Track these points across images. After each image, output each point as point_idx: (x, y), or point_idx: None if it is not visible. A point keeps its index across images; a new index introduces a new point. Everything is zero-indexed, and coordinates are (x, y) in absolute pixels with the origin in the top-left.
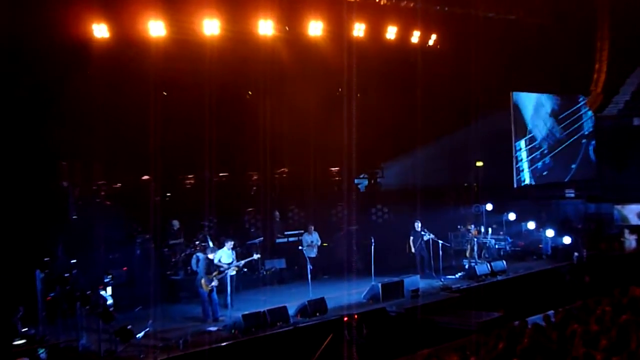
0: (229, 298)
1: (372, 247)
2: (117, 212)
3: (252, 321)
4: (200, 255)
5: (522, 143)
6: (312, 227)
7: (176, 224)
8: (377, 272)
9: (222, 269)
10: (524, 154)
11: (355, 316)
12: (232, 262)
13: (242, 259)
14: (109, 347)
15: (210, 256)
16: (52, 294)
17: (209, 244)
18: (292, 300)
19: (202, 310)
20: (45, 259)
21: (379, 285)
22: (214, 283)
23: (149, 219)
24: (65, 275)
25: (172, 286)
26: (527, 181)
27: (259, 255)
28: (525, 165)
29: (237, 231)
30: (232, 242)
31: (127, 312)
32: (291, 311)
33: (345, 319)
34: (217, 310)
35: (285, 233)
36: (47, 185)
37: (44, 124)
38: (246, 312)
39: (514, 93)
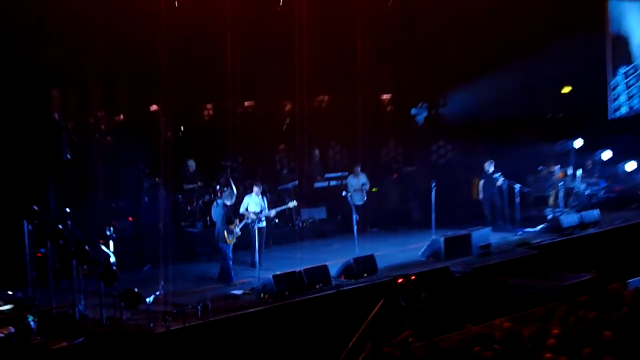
0: (256, 255)
1: (433, 193)
2: (120, 151)
3: (286, 283)
4: (221, 201)
5: (621, 70)
6: (359, 168)
7: (192, 164)
8: (438, 223)
9: (248, 219)
10: (623, 79)
11: (412, 277)
12: (262, 211)
13: (274, 208)
14: (112, 314)
15: (228, 202)
16: (42, 250)
17: (231, 189)
18: (335, 259)
19: (223, 269)
20: (34, 208)
21: (441, 239)
22: (237, 232)
23: (159, 158)
24: (59, 227)
25: (187, 240)
26: (626, 112)
27: (294, 203)
28: (623, 93)
29: (266, 174)
30: (261, 187)
31: (133, 272)
32: (333, 271)
33: (400, 280)
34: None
35: (326, 176)
36: (35, 117)
37: (30, 44)
38: (278, 273)
39: (611, 1)
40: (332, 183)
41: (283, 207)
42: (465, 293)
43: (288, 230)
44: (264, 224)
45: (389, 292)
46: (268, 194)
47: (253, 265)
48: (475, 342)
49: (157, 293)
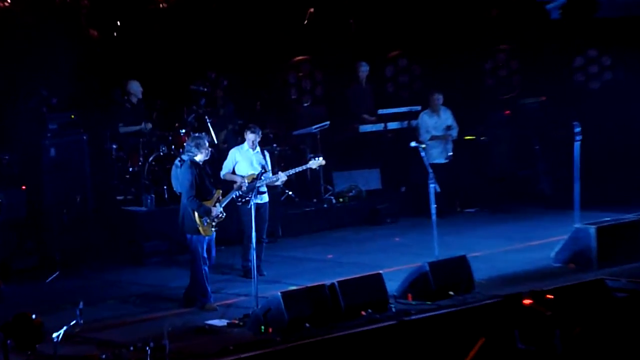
0: (252, 256)
1: (577, 145)
2: (7, 65)
3: (306, 307)
4: (188, 157)
5: None
6: (440, 99)
7: (136, 89)
8: (586, 201)
9: (236, 191)
10: None
11: (548, 296)
12: (261, 175)
13: (284, 170)
14: None
15: (200, 159)
16: None
17: (206, 136)
18: (395, 262)
19: (194, 280)
20: None
21: (592, 230)
22: (217, 213)
23: (76, 79)
24: None
25: (128, 229)
26: None
27: (321, 161)
28: None
29: (271, 108)
30: (260, 132)
31: (29, 284)
32: (392, 286)
33: (527, 301)
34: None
35: (380, 113)
36: None
37: None
38: (292, 288)
39: None
40: (392, 126)
41: (302, 168)
42: (637, 328)
43: (311, 211)
44: (265, 198)
45: (496, 326)
46: (274, 146)
47: (246, 273)
48: None
49: (73, 323)
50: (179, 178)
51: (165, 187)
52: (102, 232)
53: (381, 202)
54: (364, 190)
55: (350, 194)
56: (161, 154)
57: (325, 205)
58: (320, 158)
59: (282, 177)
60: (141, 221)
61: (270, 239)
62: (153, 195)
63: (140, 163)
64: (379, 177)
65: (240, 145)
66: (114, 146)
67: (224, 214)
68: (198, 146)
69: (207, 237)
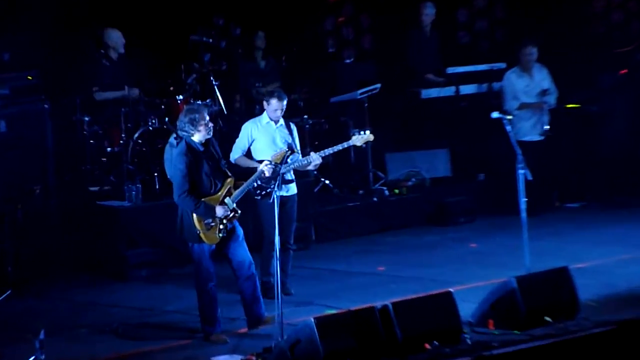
0: (274, 268)
1: None
2: None
3: (348, 337)
4: (187, 135)
5: None
6: (535, 52)
7: (116, 39)
8: None
9: (255, 181)
10: None
11: None
12: (287, 156)
13: (317, 151)
14: None
15: (195, 138)
16: None
17: (212, 102)
18: (471, 276)
19: (200, 303)
20: None
21: None
22: (226, 210)
23: (24, 26)
24: None
25: (105, 231)
26: None
27: (367, 136)
28: None
29: (300, 65)
30: (285, 98)
31: None
32: (467, 310)
33: None
34: (258, 305)
35: (449, 72)
36: None
37: None
38: (328, 313)
39: None
40: (466, 90)
41: (342, 147)
42: None
43: (356, 207)
44: (293, 189)
45: None
46: (305, 118)
47: (267, 292)
48: None
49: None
50: (175, 164)
51: (156, 174)
52: (70, 235)
53: (451, 194)
54: (427, 179)
55: (409, 183)
56: (150, 128)
57: (375, 199)
58: (368, 132)
59: (316, 159)
60: (124, 221)
61: (299, 245)
62: (139, 186)
63: (122, 142)
64: (448, 160)
65: (258, 118)
66: (86, 118)
67: (238, 212)
68: (193, 122)
69: (212, 246)
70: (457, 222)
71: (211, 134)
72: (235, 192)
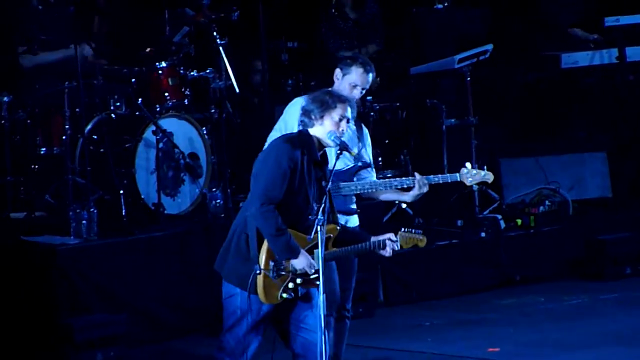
0: (321, 342)
1: None
2: None
3: None
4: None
5: None
6: None
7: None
8: None
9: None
10: None
11: None
12: (360, 170)
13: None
14: None
15: (319, 133)
16: None
17: (218, 72)
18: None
19: None
20: None
21: None
22: (309, 270)
23: None
24: None
25: (37, 287)
26: None
27: (483, 175)
28: None
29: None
30: (369, 71)
31: None
32: None
33: None
34: None
35: (609, 23)
36: None
37: None
38: None
39: None
40: (635, 56)
41: (445, 179)
42: None
43: (450, 247)
44: (354, 221)
45: None
46: (370, 101)
47: None
48: None
49: None
50: (261, 162)
51: (122, 192)
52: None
53: (610, 228)
54: (570, 202)
55: (540, 208)
56: (113, 116)
57: (484, 235)
58: (485, 172)
59: (422, 185)
60: (67, 269)
61: (358, 310)
62: (94, 210)
63: (65, 137)
64: (606, 171)
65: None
66: (6, 99)
67: (317, 282)
68: (324, 105)
69: (267, 305)
70: (620, 273)
71: (343, 137)
72: (333, 250)
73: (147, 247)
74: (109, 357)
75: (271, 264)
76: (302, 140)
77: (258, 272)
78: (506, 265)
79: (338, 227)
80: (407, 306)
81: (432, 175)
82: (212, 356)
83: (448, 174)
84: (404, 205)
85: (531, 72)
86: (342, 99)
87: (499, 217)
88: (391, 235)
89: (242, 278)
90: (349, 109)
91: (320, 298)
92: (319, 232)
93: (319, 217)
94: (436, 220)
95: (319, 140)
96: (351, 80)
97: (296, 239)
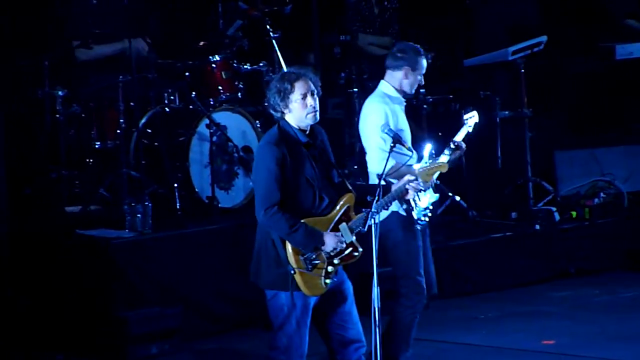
0: (375, 337)
1: None
2: None
3: None
4: (279, 116)
5: None
6: None
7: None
8: None
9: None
10: None
11: None
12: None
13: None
14: None
15: (292, 120)
16: None
17: (271, 65)
18: None
19: None
20: None
21: None
22: (341, 248)
23: None
24: None
25: (91, 280)
26: None
27: (470, 114)
28: None
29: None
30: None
31: None
32: None
33: None
34: None
35: None
36: None
37: None
38: None
39: None
40: None
41: (456, 142)
42: None
43: (505, 239)
44: (425, 217)
45: None
46: (423, 94)
47: None
48: None
49: None
50: (253, 170)
51: (176, 185)
52: (30, 288)
53: None
54: (624, 193)
55: (595, 201)
56: (167, 110)
57: (538, 227)
58: (474, 113)
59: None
60: (121, 263)
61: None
62: (149, 204)
63: (119, 132)
64: None
65: (382, 92)
66: (61, 93)
67: (359, 250)
68: (281, 93)
69: (313, 298)
70: None
71: (317, 117)
72: (358, 217)
73: (201, 241)
74: (163, 350)
75: (301, 259)
76: (281, 134)
77: (293, 272)
78: (561, 258)
79: (351, 193)
80: (462, 298)
81: (447, 149)
82: (267, 355)
83: (455, 137)
84: (457, 198)
85: (585, 63)
86: (296, 77)
87: (554, 209)
88: (408, 176)
89: (281, 281)
90: (308, 82)
91: (375, 291)
92: (373, 226)
93: (372, 209)
94: (490, 212)
95: (298, 124)
96: (419, 65)
97: (315, 225)
